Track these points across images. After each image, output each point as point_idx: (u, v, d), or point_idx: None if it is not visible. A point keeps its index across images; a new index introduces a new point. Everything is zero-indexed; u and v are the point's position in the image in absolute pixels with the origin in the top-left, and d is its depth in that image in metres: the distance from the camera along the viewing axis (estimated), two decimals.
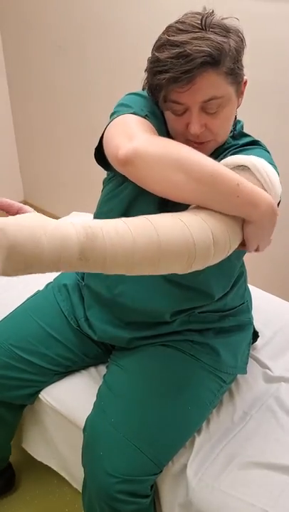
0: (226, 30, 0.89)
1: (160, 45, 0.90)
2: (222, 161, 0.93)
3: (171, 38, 0.88)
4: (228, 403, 1.22)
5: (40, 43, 2.29)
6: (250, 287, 1.53)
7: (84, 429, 1.10)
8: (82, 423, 1.13)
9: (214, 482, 1.04)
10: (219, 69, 0.88)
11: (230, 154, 0.99)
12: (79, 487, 1.29)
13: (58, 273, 1.36)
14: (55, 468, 1.33)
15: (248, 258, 1.38)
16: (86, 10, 2.00)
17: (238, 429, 1.15)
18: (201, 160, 0.84)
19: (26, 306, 1.30)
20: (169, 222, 0.77)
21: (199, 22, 0.88)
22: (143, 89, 1.00)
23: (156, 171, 0.83)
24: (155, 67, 0.89)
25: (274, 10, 1.50)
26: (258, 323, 1.41)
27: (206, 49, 0.85)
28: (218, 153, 1.01)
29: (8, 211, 0.74)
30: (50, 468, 1.37)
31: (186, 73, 0.86)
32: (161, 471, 1.06)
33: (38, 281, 1.41)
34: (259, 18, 1.54)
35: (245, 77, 0.96)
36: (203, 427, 1.15)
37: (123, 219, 0.76)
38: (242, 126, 1.08)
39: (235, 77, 0.92)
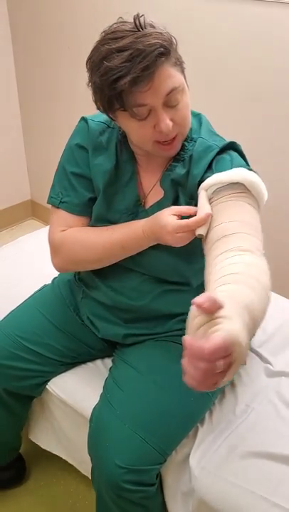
0: (156, 27, 0.91)
1: (104, 57, 0.89)
2: (216, 176, 0.95)
3: (114, 46, 0.88)
4: (231, 396, 1.25)
5: (50, 44, 2.33)
6: None
7: (90, 420, 1.14)
8: (88, 413, 1.17)
9: (216, 471, 1.07)
10: (170, 59, 0.91)
11: (215, 159, 1.00)
12: (86, 472, 1.32)
13: None
14: (63, 456, 1.36)
15: None
16: (94, 14, 2.04)
17: (240, 421, 1.18)
18: (92, 256, 1.10)
19: (33, 299, 1.34)
20: (256, 292, 0.74)
21: (132, 26, 0.89)
22: (98, 109, 1.00)
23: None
24: (110, 76, 0.88)
25: (274, 12, 1.54)
26: None
27: (156, 41, 0.87)
28: (197, 153, 1.02)
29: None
30: (54, 460, 1.41)
31: (146, 70, 0.86)
32: (165, 460, 1.09)
33: (45, 277, 1.45)
34: (259, 20, 1.58)
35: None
36: (206, 418, 1.18)
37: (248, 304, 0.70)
38: (208, 123, 1.10)
39: (182, 67, 0.96)
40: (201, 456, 1.10)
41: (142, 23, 0.90)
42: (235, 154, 1.02)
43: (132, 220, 1.09)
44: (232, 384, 1.27)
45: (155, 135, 0.95)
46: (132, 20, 0.90)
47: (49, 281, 1.40)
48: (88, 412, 1.17)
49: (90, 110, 1.24)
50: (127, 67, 0.86)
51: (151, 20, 0.92)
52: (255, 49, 1.64)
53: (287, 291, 1.67)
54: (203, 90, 1.81)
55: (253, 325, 0.69)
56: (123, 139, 1.08)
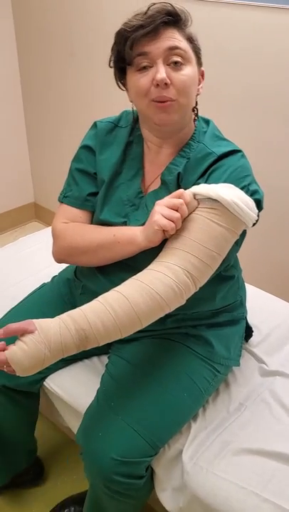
0: None
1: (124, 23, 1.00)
2: (198, 186, 0.98)
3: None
4: (225, 395, 1.27)
5: (53, 51, 2.37)
6: (248, 286, 1.58)
7: (85, 413, 1.16)
8: (84, 410, 1.18)
9: (208, 466, 1.09)
10: (180, 29, 1.00)
11: (211, 165, 1.03)
12: None
13: (63, 267, 1.42)
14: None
15: (247, 259, 1.43)
16: (96, 22, 2.08)
17: (233, 418, 1.20)
18: (86, 243, 1.11)
19: (32, 297, 1.37)
20: (142, 297, 0.94)
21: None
22: (110, 67, 1.06)
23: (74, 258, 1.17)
24: (123, 31, 0.99)
25: (276, 19, 1.56)
26: (255, 321, 1.46)
27: (168, 6, 0.98)
28: (197, 155, 1.05)
29: (17, 334, 0.93)
30: (55, 461, 1.42)
31: (152, 22, 0.96)
32: (156, 453, 1.11)
33: (44, 276, 1.48)
34: (262, 28, 1.60)
35: (202, 68, 1.07)
36: (200, 415, 1.20)
37: (109, 306, 0.94)
38: (215, 127, 1.12)
39: (195, 48, 1.03)
40: (193, 452, 1.12)
41: None
42: (236, 165, 1.02)
43: (133, 211, 1.11)
44: (226, 383, 1.29)
45: (151, 92, 0.98)
46: None
47: (48, 280, 1.42)
48: (83, 408, 1.19)
49: (94, 114, 1.28)
50: (137, 19, 0.98)
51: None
52: (253, 52, 1.66)
53: (283, 292, 1.69)
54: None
55: (87, 335, 0.93)
56: (135, 129, 1.14)
